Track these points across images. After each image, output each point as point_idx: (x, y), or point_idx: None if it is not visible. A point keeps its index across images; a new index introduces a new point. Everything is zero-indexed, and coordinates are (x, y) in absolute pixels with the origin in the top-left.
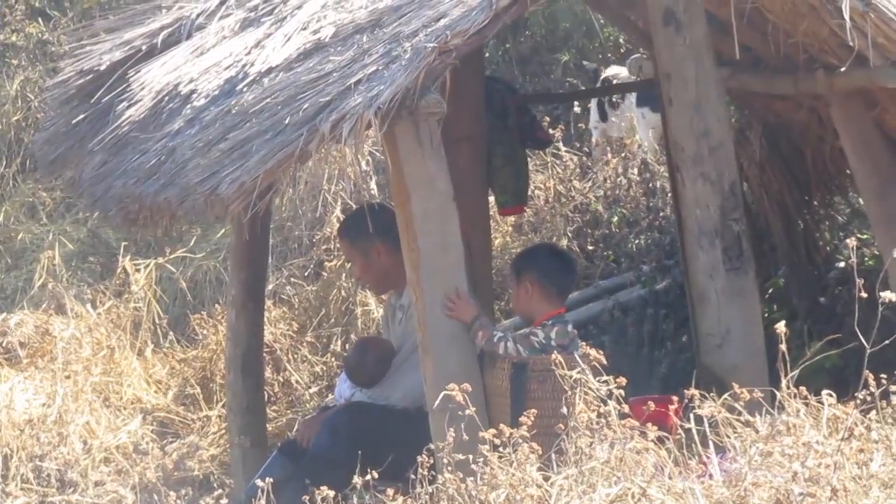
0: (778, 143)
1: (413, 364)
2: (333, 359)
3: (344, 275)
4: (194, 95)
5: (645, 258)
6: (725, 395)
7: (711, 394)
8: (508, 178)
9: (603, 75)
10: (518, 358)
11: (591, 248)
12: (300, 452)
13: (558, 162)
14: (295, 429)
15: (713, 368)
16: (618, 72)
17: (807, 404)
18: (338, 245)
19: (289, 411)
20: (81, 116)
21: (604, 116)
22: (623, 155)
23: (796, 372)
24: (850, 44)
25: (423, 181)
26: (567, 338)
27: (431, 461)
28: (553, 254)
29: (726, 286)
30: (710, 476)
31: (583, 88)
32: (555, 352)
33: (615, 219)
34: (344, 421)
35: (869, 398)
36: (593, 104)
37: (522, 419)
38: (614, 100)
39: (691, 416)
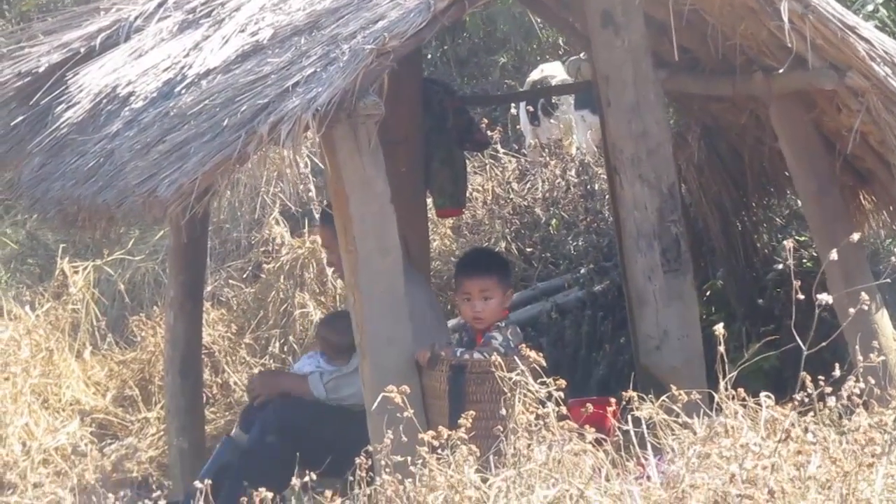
0: (716, 145)
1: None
2: (272, 361)
3: (282, 276)
4: (132, 97)
5: (583, 260)
6: (664, 397)
7: (650, 396)
8: (446, 180)
9: (530, 77)
10: (456, 360)
11: (529, 250)
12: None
13: (496, 164)
14: (247, 384)
15: (652, 370)
16: (549, 74)
17: (745, 406)
18: (276, 245)
19: (227, 413)
20: (20, 118)
21: (533, 120)
22: (561, 157)
23: (734, 373)
24: (789, 45)
25: (360, 184)
26: (519, 339)
27: (370, 462)
28: None
29: (665, 288)
30: (649, 478)
31: (520, 90)
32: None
33: (553, 221)
34: (274, 418)
35: (806, 400)
36: (521, 107)
37: (461, 421)
38: (554, 101)
39: (629, 417)
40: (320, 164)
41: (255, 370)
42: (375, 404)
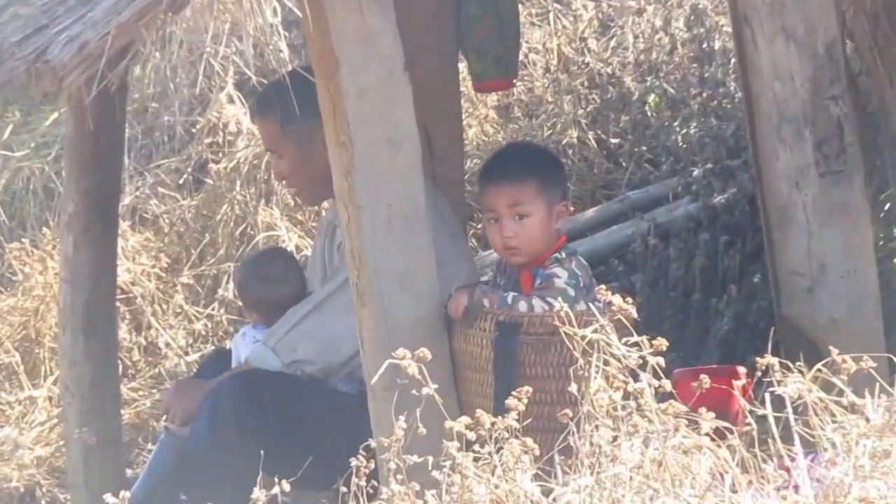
0: None
1: (341, 306)
2: (223, 310)
3: (239, 182)
4: None
5: (696, 157)
6: (819, 366)
7: (798, 363)
8: (489, 35)
9: None
10: (507, 313)
11: (615, 141)
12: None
13: (565, 10)
14: (161, 401)
15: (801, 324)
16: None
17: None
18: (230, 134)
19: (156, 390)
20: None
21: None
22: (665, 1)
23: None
24: None
25: (358, 40)
26: (588, 275)
27: (371, 464)
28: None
29: (820, 200)
30: (796, 488)
31: None
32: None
33: (652, 98)
34: (227, 400)
35: None
36: None
37: (512, 402)
38: None
39: (766, 396)
40: (296, 11)
41: (197, 325)
42: (378, 377)
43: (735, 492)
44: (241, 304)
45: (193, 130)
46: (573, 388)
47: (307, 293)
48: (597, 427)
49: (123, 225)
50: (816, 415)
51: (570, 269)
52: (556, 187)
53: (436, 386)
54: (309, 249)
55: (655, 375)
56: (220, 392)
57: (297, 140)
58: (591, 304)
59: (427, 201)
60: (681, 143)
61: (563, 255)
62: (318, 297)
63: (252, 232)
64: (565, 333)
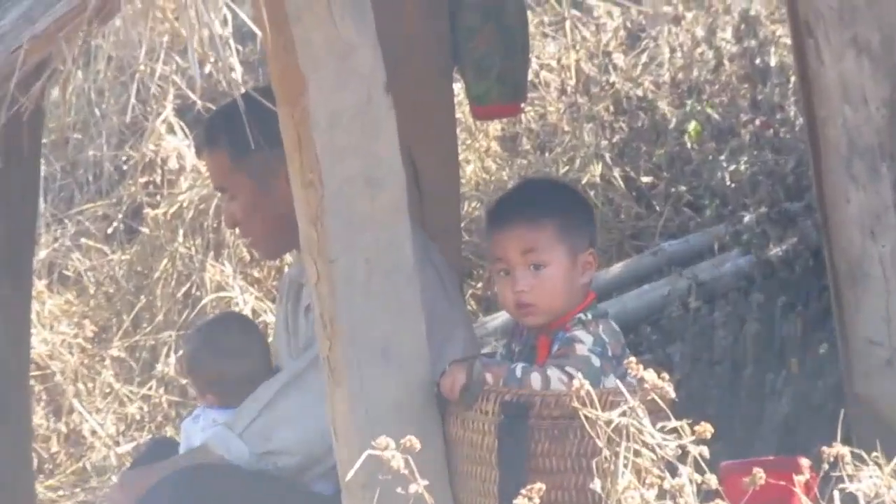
0: None
1: (322, 384)
2: (162, 390)
3: (181, 231)
4: None
5: (748, 200)
6: None
7: (874, 453)
8: (491, 49)
9: None
10: (513, 392)
11: (646, 180)
12: None
13: (586, 20)
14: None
15: (878, 406)
16: None
17: None
18: (170, 171)
19: (79, 488)
20: None
21: None
22: (707, 6)
23: None
24: None
25: (330, 55)
26: (619, 342)
27: None
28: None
29: None
30: None
31: None
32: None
33: (692, 126)
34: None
35: None
36: None
37: (521, 502)
38: None
39: (835, 494)
40: (254, 28)
41: (130, 408)
42: (354, 471)
43: None
44: (189, 383)
45: (125, 167)
46: (596, 484)
47: (274, 368)
48: None
49: (39, 284)
50: None
51: (597, 334)
52: (582, 231)
53: (426, 482)
54: (269, 315)
55: (698, 469)
56: (162, 492)
57: (253, 177)
58: (619, 381)
59: (415, 253)
60: (728, 183)
61: (589, 315)
62: (291, 372)
63: (198, 293)
64: (586, 416)
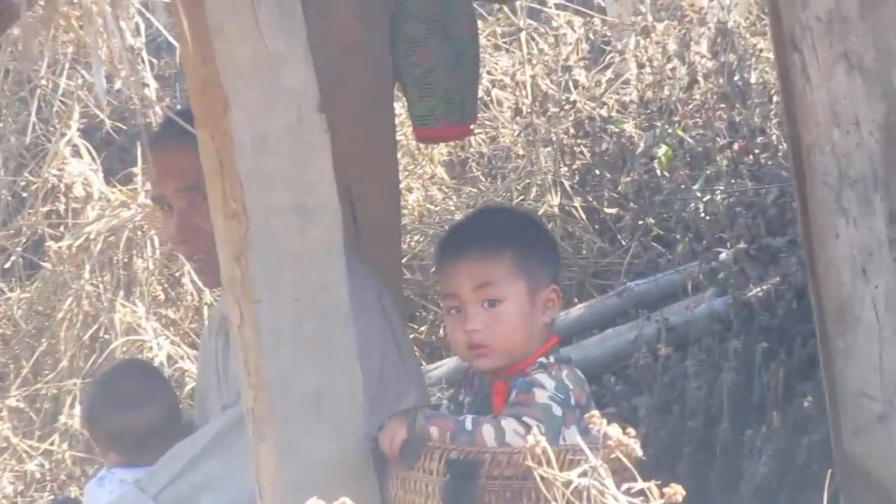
0: None
1: (248, 449)
2: (66, 445)
3: (88, 267)
4: None
5: (725, 234)
6: None
7: None
8: (437, 64)
9: None
10: (461, 448)
11: (611, 211)
12: None
13: (544, 31)
14: None
15: (868, 465)
16: None
17: None
18: (76, 200)
19: None
20: None
21: None
22: (680, 15)
23: None
24: None
25: (256, 70)
26: (584, 391)
27: None
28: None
29: None
30: None
31: None
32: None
33: (663, 151)
34: None
35: None
36: None
37: None
38: None
39: None
40: (172, 41)
41: (30, 465)
42: None
43: None
44: (89, 439)
45: (24, 195)
46: None
47: (183, 417)
48: None
49: None
50: None
51: (559, 379)
52: (543, 265)
53: None
54: (185, 361)
55: None
56: None
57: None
58: (582, 434)
59: (362, 294)
60: (703, 215)
61: (552, 359)
62: (217, 428)
63: (107, 336)
64: (542, 477)
